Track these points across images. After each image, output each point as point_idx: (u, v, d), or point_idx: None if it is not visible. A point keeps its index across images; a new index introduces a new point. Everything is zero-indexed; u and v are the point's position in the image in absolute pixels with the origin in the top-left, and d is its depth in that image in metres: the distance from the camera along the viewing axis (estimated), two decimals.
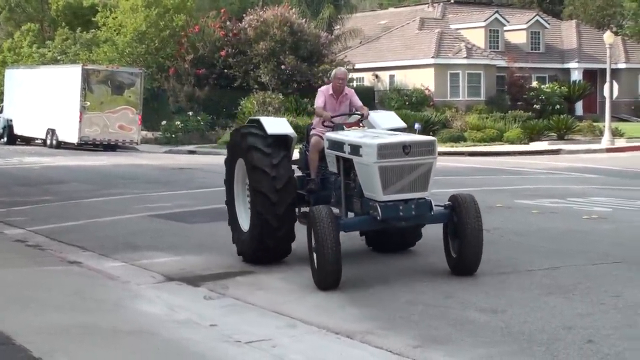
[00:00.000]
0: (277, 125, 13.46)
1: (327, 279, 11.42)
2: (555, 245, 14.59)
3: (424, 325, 9.94)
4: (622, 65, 63.20)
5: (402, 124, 13.91)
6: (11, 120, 55.05)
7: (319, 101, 13.71)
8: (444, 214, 12.07)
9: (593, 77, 62.69)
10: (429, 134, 43.55)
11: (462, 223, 11.56)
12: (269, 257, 13.25)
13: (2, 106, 57.53)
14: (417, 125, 14.50)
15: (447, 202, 12.07)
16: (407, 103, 54.94)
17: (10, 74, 58.10)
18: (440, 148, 40.13)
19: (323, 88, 13.96)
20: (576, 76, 65.43)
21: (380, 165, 11.24)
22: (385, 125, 13.49)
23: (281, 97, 51.51)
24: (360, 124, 13.51)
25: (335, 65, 55.25)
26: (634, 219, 17.79)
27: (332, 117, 13.28)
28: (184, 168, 33.92)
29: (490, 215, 17.26)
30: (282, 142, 13.10)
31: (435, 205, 12.00)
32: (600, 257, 13.56)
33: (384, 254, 14.06)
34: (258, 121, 13.55)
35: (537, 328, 9.55)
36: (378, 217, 11.46)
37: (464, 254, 11.68)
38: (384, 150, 11.31)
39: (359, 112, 13.66)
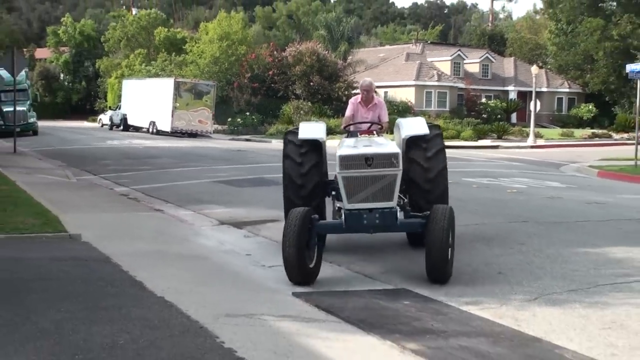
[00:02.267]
0: (310, 130, 10.51)
1: (291, 274, 8.54)
2: (484, 209, 14.58)
3: (392, 262, 10.07)
4: (544, 89, 62.77)
5: (423, 131, 10.23)
6: (126, 115, 55.40)
7: (346, 110, 10.92)
8: (413, 223, 9.28)
9: (524, 96, 62.24)
10: None
11: (428, 235, 8.44)
12: None
13: (120, 105, 57.91)
14: None
15: (426, 212, 9.05)
16: (395, 111, 54.81)
17: (126, 83, 58.40)
18: None
19: (352, 98, 11.13)
20: (512, 96, 65.12)
21: (343, 176, 8.81)
22: (406, 132, 10.26)
23: (309, 104, 51.66)
24: (374, 133, 10.01)
25: (348, 84, 55.80)
26: (540, 193, 17.76)
27: (345, 126, 10.55)
28: (241, 150, 33.97)
29: None
30: (316, 146, 10.33)
31: (414, 214, 9.49)
32: (514, 218, 13.56)
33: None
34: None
35: (465, 263, 9.62)
36: (342, 225, 8.97)
37: (428, 265, 8.49)
38: (346, 162, 8.83)
39: (375, 122, 10.38)
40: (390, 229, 9.28)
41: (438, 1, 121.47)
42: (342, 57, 60.34)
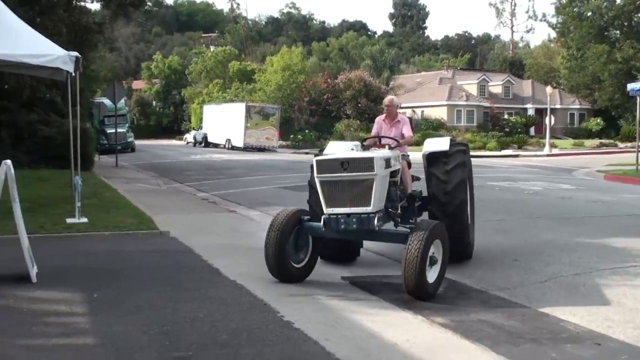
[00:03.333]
0: (335, 148, 9.12)
1: (272, 272, 7.61)
2: (505, 208, 14.45)
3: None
4: (558, 106, 61.69)
5: (442, 148, 8.99)
6: (206, 134, 56.05)
7: (373, 128, 9.80)
8: (397, 234, 7.76)
9: (541, 112, 61.09)
10: None
11: (406, 249, 6.97)
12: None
13: (201, 126, 58.63)
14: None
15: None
16: (430, 127, 54.64)
17: (206, 108, 59.14)
18: None
19: (378, 117, 9.89)
20: (531, 112, 64.10)
21: (320, 180, 7.53)
22: (426, 149, 9.13)
23: (358, 122, 51.73)
24: (386, 146, 8.88)
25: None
26: (554, 194, 17.51)
27: (363, 140, 9.52)
28: (301, 162, 34.07)
29: None
30: None
31: (401, 226, 8.16)
32: (530, 215, 13.45)
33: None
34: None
35: (486, 252, 9.59)
36: (321, 228, 7.65)
37: (403, 277, 6.97)
38: (323, 166, 7.55)
39: (391, 137, 9.17)
40: (371, 236, 7.76)
41: (466, 33, 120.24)
42: (385, 82, 60.31)
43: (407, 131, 9.41)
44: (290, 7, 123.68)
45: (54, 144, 20.51)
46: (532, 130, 60.82)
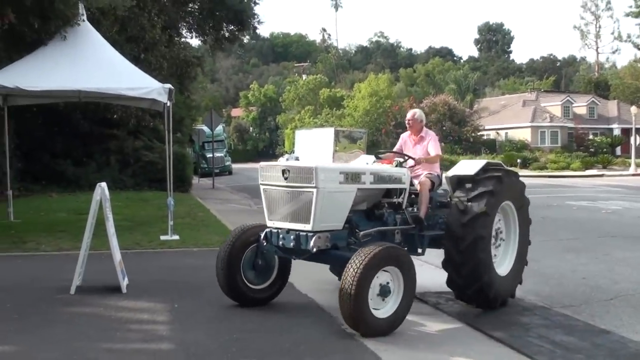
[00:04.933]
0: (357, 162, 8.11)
1: (223, 290, 6.79)
2: (579, 226, 13.99)
3: None
4: None
5: (468, 172, 7.22)
6: (298, 157, 56.53)
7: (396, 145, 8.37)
8: (339, 257, 6.30)
9: (627, 132, 58.74)
10: (525, 167, 42.97)
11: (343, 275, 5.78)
12: None
13: (294, 149, 59.28)
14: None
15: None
16: (514, 148, 53.46)
17: (298, 132, 57.66)
18: (532, 172, 39.28)
19: (404, 133, 8.41)
20: (616, 132, 61.68)
21: (263, 188, 6.64)
22: (452, 171, 7.40)
23: (443, 144, 51.20)
24: (402, 165, 7.38)
25: (474, 127, 54.81)
26: (632, 214, 16.78)
27: (377, 153, 8.02)
28: None
29: (548, 210, 16.75)
30: None
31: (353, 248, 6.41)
32: (604, 233, 12.96)
33: None
34: None
35: (555, 270, 9.34)
36: (262, 244, 6.63)
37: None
38: (265, 172, 6.65)
39: (407, 155, 7.67)
40: (312, 258, 6.39)
41: (551, 56, 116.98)
42: (468, 105, 59.52)
43: (433, 148, 7.93)
44: (378, 36, 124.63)
45: (156, 168, 21.47)
46: (618, 150, 58.39)
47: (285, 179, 6.33)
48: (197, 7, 25.74)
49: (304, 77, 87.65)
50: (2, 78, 11.69)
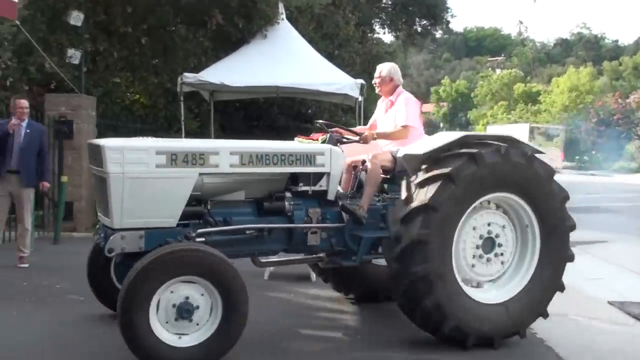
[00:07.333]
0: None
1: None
2: None
3: None
4: None
5: (424, 149, 5.13)
6: None
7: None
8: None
9: None
10: None
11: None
12: None
13: None
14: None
15: None
16: None
17: (489, 129, 58.25)
18: None
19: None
20: None
21: (92, 171, 5.17)
22: (407, 149, 5.34)
23: None
24: (360, 142, 5.69)
25: None
26: None
27: (327, 124, 5.77)
28: (581, 183, 31.86)
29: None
30: None
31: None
32: None
33: None
34: None
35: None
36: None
37: None
38: (89, 152, 5.09)
39: (356, 131, 5.85)
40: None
41: None
42: None
43: (401, 116, 5.73)
44: (581, 27, 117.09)
45: None
46: None
47: (95, 160, 4.84)
48: (390, 2, 26.01)
49: (498, 71, 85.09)
50: (210, 75, 12.67)
